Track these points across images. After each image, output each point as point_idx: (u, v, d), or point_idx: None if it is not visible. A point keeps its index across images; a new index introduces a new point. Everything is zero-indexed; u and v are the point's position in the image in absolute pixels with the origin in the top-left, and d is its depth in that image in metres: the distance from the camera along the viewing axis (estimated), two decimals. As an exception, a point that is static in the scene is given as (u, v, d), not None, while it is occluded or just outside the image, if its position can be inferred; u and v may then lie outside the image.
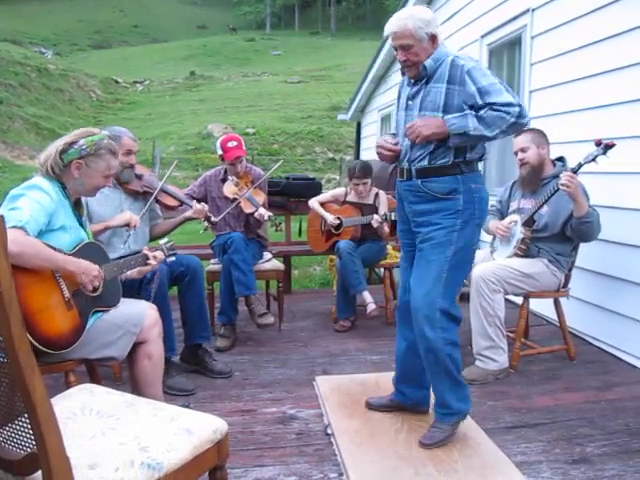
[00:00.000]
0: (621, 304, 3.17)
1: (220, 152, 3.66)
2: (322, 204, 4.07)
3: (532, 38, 4.11)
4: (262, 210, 3.57)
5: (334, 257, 3.97)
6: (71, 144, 2.08)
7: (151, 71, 31.99)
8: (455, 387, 2.22)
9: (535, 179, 3.07)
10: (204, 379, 2.99)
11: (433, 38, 2.12)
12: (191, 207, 3.16)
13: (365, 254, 3.81)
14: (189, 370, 3.06)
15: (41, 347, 1.83)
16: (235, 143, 3.62)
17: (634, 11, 3.02)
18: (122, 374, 2.88)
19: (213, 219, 3.30)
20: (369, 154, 9.50)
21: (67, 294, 1.97)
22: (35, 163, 2.15)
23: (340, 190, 4.13)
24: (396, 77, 7.56)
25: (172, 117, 21.34)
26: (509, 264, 2.97)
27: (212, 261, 3.86)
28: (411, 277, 2.24)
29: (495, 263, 3.02)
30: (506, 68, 4.72)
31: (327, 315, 4.16)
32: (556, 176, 2.94)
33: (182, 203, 3.19)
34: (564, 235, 2.98)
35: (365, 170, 3.85)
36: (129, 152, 2.87)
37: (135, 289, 2.65)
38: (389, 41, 2.18)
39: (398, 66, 7.70)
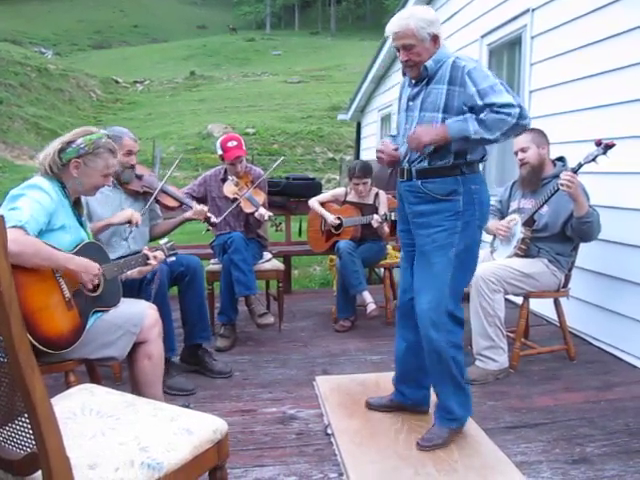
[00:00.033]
0: (621, 304, 3.17)
1: (220, 152, 3.66)
2: (322, 204, 4.07)
3: (532, 38, 4.11)
4: (262, 210, 3.57)
5: (334, 257, 3.97)
6: (69, 143, 2.08)
7: (151, 71, 31.99)
8: (458, 392, 2.23)
9: (535, 179, 3.07)
10: (204, 379, 2.99)
11: (435, 38, 2.11)
12: (191, 208, 3.17)
13: (365, 254, 3.81)
14: (189, 370, 3.06)
15: (41, 347, 1.83)
16: (235, 143, 3.62)
17: (634, 11, 3.02)
18: (122, 374, 2.88)
19: (213, 220, 3.30)
20: (369, 154, 9.50)
21: (67, 294, 1.97)
22: (35, 163, 2.15)
23: (340, 190, 4.13)
24: (396, 77, 7.56)
25: (172, 117, 21.34)
26: (509, 264, 2.97)
27: (212, 261, 3.86)
28: (414, 280, 2.24)
29: (495, 263, 3.02)
30: (506, 68, 4.72)
31: (327, 315, 4.16)
32: (556, 176, 2.94)
33: (182, 204, 3.20)
34: (564, 235, 2.98)
35: (365, 170, 3.85)
36: (130, 152, 2.87)
37: (135, 289, 2.65)
38: (391, 41, 2.17)
39: (398, 66, 7.71)
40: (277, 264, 3.85)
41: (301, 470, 2.09)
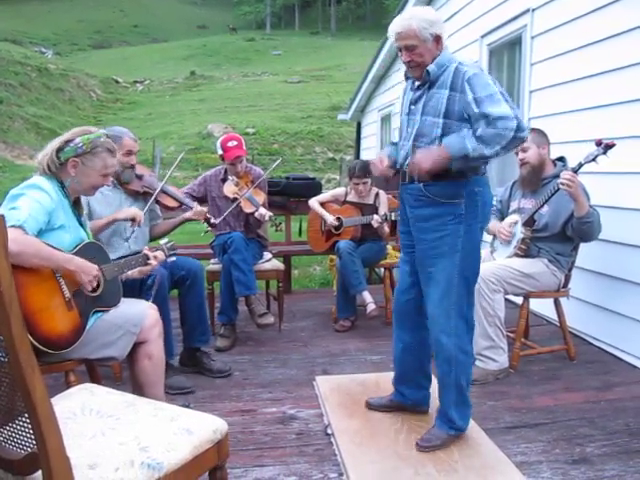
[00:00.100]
0: (621, 304, 3.17)
1: (220, 152, 3.66)
2: (322, 204, 4.07)
3: (532, 38, 4.11)
4: (262, 210, 3.57)
5: (334, 257, 3.97)
6: (67, 142, 2.08)
7: (151, 71, 31.98)
8: (461, 404, 2.23)
9: (535, 179, 3.07)
10: (204, 379, 2.99)
11: (437, 39, 2.10)
12: (191, 208, 3.16)
13: (365, 254, 3.81)
14: (188, 372, 3.06)
15: (41, 347, 1.83)
16: (235, 143, 3.62)
17: (634, 11, 3.02)
18: (122, 374, 2.88)
19: (213, 221, 3.30)
20: (369, 154, 9.50)
21: (67, 294, 1.97)
22: (34, 162, 2.15)
23: (340, 190, 4.13)
24: (396, 77, 7.55)
25: (172, 117, 21.34)
26: (509, 264, 2.97)
27: (212, 261, 3.86)
28: (422, 286, 2.24)
29: (495, 263, 3.02)
30: (506, 68, 4.71)
31: (327, 315, 4.16)
32: (557, 176, 2.93)
33: (182, 204, 3.20)
34: (564, 235, 2.98)
35: (365, 169, 3.85)
36: (130, 152, 2.87)
37: (136, 290, 2.65)
38: (393, 42, 2.16)
39: (398, 66, 7.71)
40: (277, 264, 3.85)
41: (301, 470, 2.09)
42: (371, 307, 3.66)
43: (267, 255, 3.87)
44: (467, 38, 5.19)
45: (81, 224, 2.17)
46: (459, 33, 5.37)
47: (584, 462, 2.11)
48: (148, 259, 2.38)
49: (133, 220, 2.69)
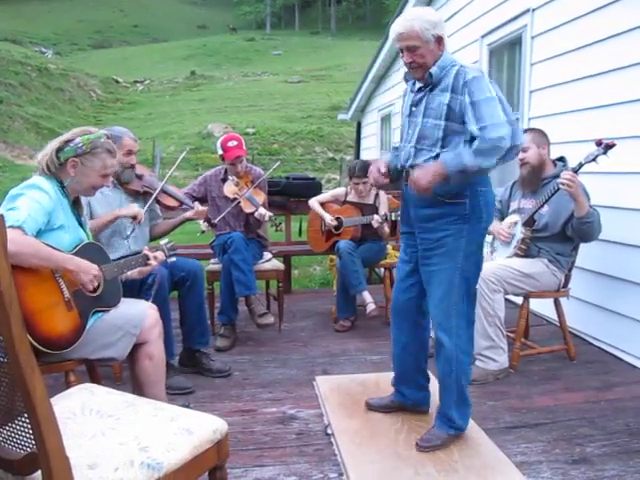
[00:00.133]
0: (621, 304, 3.17)
1: (220, 152, 3.66)
2: (322, 204, 4.06)
3: (532, 38, 4.10)
4: (262, 210, 3.57)
5: (334, 257, 3.97)
6: (67, 142, 2.08)
7: (151, 71, 32.00)
8: (461, 405, 2.23)
9: (535, 179, 3.07)
10: (204, 379, 2.99)
11: (439, 40, 2.10)
12: (192, 208, 3.16)
13: (365, 254, 3.81)
14: (188, 372, 3.06)
15: (41, 347, 1.83)
16: (235, 143, 3.62)
17: (634, 11, 3.02)
18: (122, 374, 2.88)
19: (213, 221, 3.29)
20: (369, 154, 9.50)
21: (67, 294, 1.97)
22: (34, 162, 2.15)
23: (340, 190, 4.13)
24: (396, 77, 7.55)
25: (172, 117, 21.35)
26: (509, 264, 2.97)
27: (212, 261, 3.85)
28: (424, 284, 2.24)
29: (495, 263, 3.02)
30: (506, 68, 4.71)
31: (327, 315, 4.16)
32: (557, 176, 2.93)
33: (182, 204, 3.20)
34: (564, 235, 2.98)
35: (365, 169, 3.84)
36: (130, 152, 2.87)
37: (136, 290, 2.64)
38: (395, 43, 2.16)
39: (398, 66, 7.69)
40: (277, 264, 3.85)
41: (301, 470, 2.09)
42: (371, 307, 3.66)
43: (267, 255, 3.86)
44: (467, 38, 5.19)
45: (81, 224, 2.17)
46: (459, 33, 5.37)
47: (584, 462, 2.11)
48: (148, 259, 2.38)
49: (134, 218, 2.70)
